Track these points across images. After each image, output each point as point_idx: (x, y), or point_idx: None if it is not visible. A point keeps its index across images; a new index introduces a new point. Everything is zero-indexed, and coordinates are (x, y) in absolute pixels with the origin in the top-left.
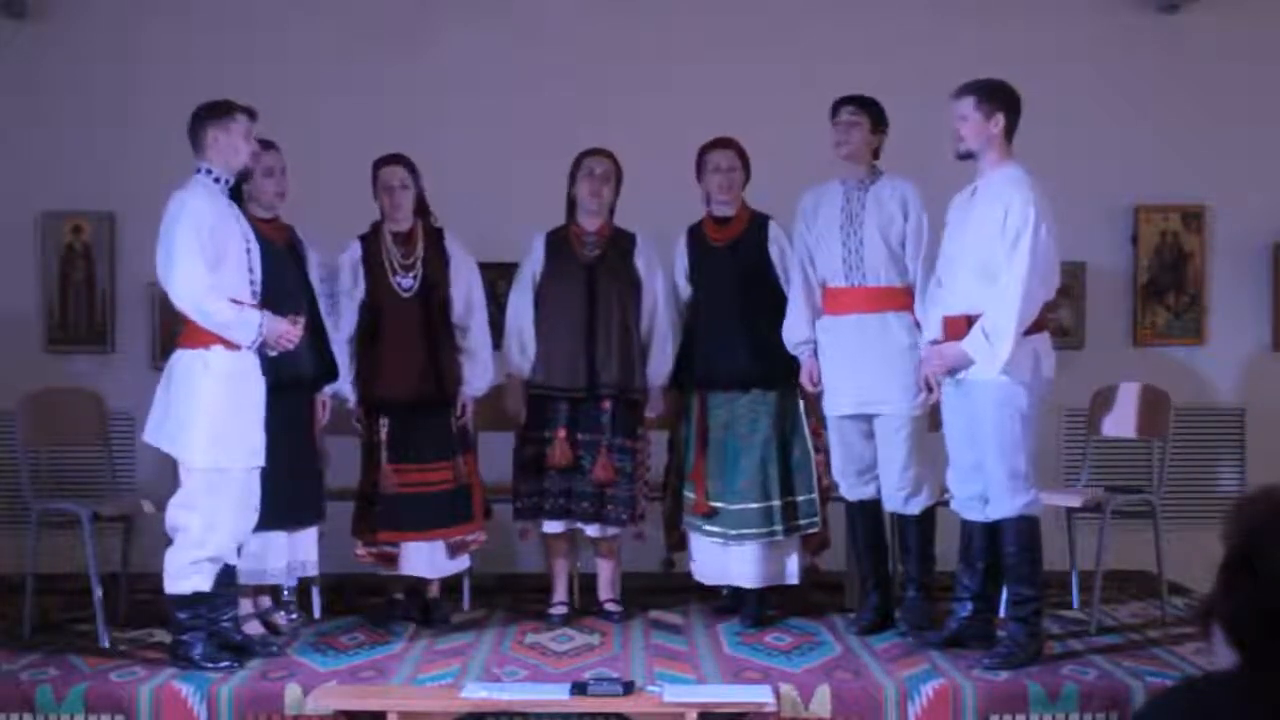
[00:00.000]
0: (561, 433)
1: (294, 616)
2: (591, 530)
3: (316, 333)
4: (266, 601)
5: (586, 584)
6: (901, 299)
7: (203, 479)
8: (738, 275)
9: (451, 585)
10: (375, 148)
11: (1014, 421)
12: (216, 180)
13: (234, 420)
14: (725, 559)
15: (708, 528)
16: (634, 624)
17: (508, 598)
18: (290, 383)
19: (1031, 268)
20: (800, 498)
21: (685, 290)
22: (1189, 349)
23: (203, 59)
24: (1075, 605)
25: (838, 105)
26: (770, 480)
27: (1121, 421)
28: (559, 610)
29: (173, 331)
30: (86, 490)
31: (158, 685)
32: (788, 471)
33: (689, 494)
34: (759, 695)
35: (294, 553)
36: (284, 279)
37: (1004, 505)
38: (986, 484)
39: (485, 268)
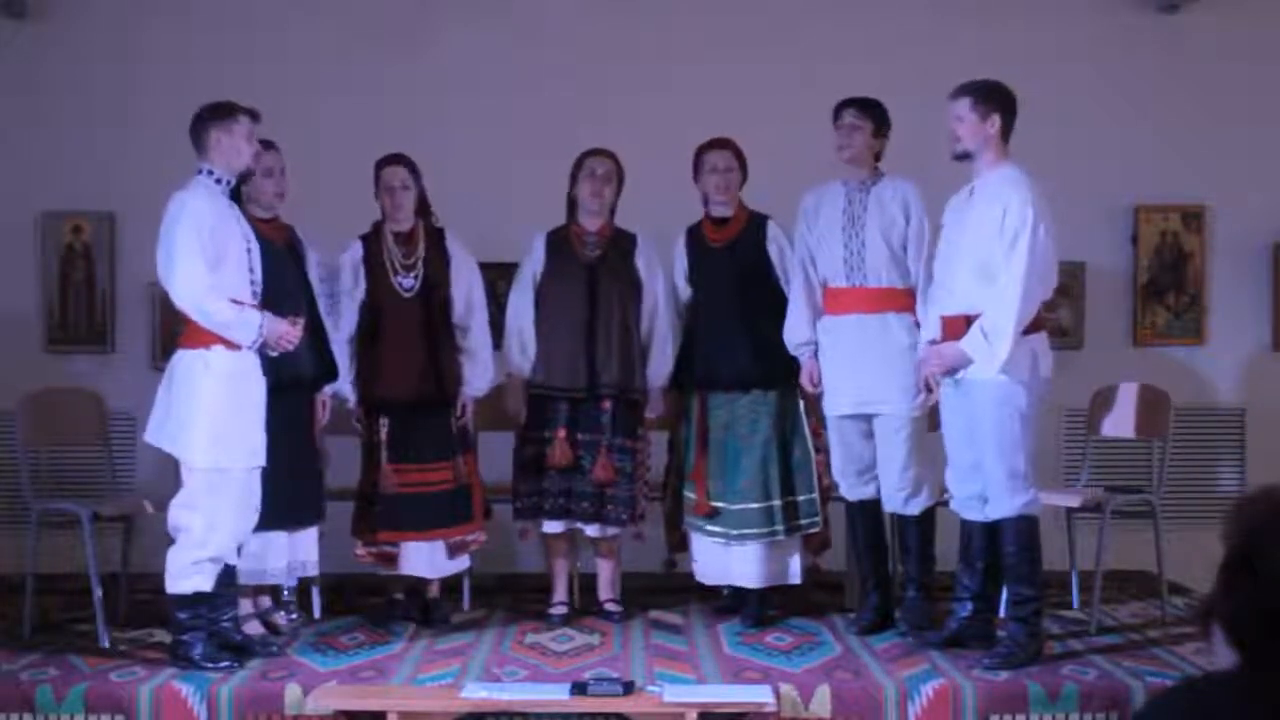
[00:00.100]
0: (562, 433)
1: (294, 616)
2: (591, 530)
3: (316, 333)
4: (266, 601)
5: (586, 584)
6: (902, 300)
7: (204, 479)
8: (737, 275)
9: (451, 585)
10: (375, 148)
11: (1013, 421)
12: (218, 181)
13: (235, 420)
14: (727, 559)
15: (709, 528)
16: (634, 624)
17: (508, 598)
18: (290, 383)
19: (1030, 267)
20: (801, 497)
21: (685, 291)
22: (1189, 349)
23: (203, 59)
24: (1075, 605)
25: (840, 108)
26: (771, 480)
27: (1121, 421)
28: (559, 610)
29: (173, 331)
30: (86, 490)
31: (158, 685)
32: (788, 471)
33: (690, 494)
34: (759, 695)
35: (294, 553)
36: (284, 279)
37: (1003, 505)
38: (985, 484)
39: (485, 268)
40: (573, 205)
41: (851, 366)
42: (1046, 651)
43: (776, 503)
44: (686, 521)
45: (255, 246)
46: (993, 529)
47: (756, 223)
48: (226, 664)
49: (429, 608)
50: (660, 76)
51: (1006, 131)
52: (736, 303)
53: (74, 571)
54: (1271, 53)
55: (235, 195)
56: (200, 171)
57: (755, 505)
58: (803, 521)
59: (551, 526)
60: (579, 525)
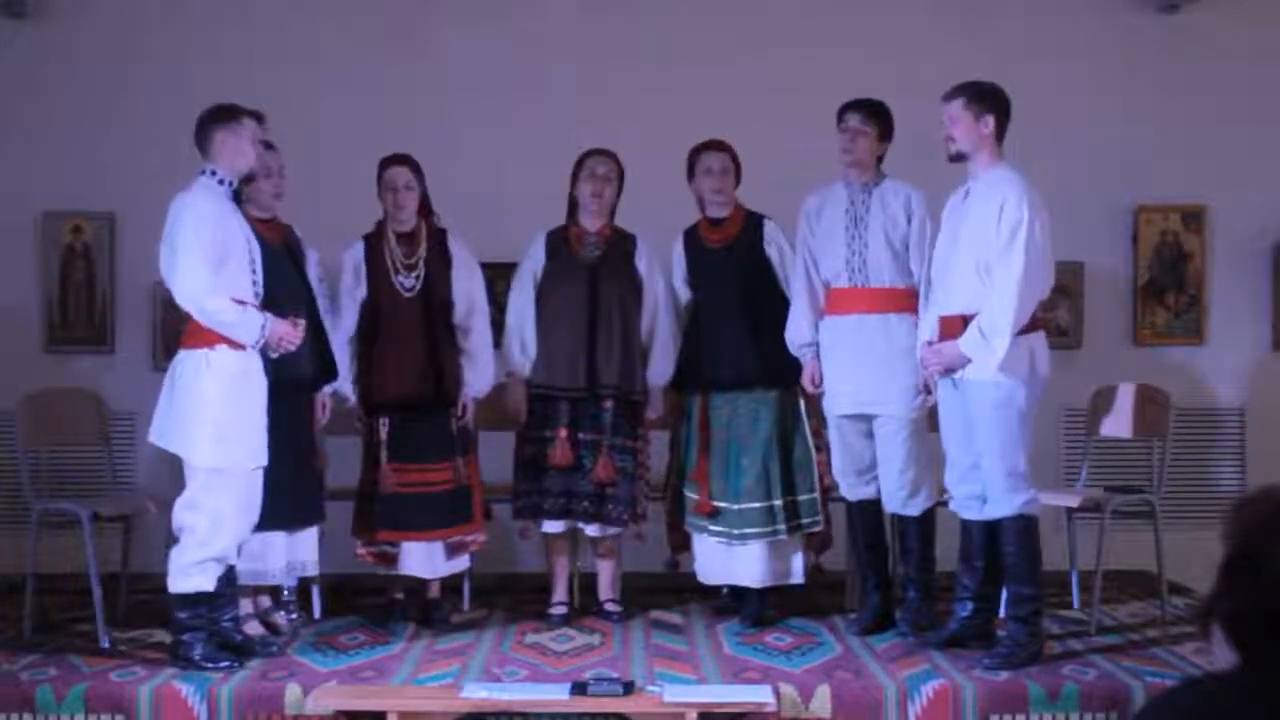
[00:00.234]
0: (563, 432)
1: (294, 616)
2: (592, 530)
3: (315, 333)
4: (266, 601)
5: (586, 584)
6: (903, 300)
7: (207, 479)
8: (736, 276)
9: (451, 585)
10: (375, 148)
11: (1012, 421)
12: (221, 182)
13: (238, 420)
14: (729, 559)
15: (712, 528)
16: (634, 624)
17: (508, 598)
18: (289, 383)
19: (1027, 266)
20: (802, 497)
21: (684, 293)
22: (1189, 349)
23: (203, 59)
24: (1075, 605)
25: (844, 110)
26: (772, 479)
27: (1121, 421)
28: (559, 610)
29: (173, 331)
30: (86, 490)
31: (158, 685)
32: (789, 471)
33: (692, 494)
34: (759, 695)
35: (294, 553)
36: (283, 279)
37: (1002, 505)
38: (984, 483)
39: (485, 268)
40: (573, 205)
41: (852, 367)
42: (1046, 651)
43: (778, 502)
44: (689, 521)
45: (257, 247)
46: (992, 528)
47: (754, 223)
48: (226, 664)
49: (429, 608)
50: (660, 76)
51: (1001, 132)
52: (736, 303)
53: (74, 571)
54: (1271, 53)
55: (235, 196)
56: (203, 172)
57: (757, 505)
58: (804, 521)
59: (552, 526)
60: (580, 525)
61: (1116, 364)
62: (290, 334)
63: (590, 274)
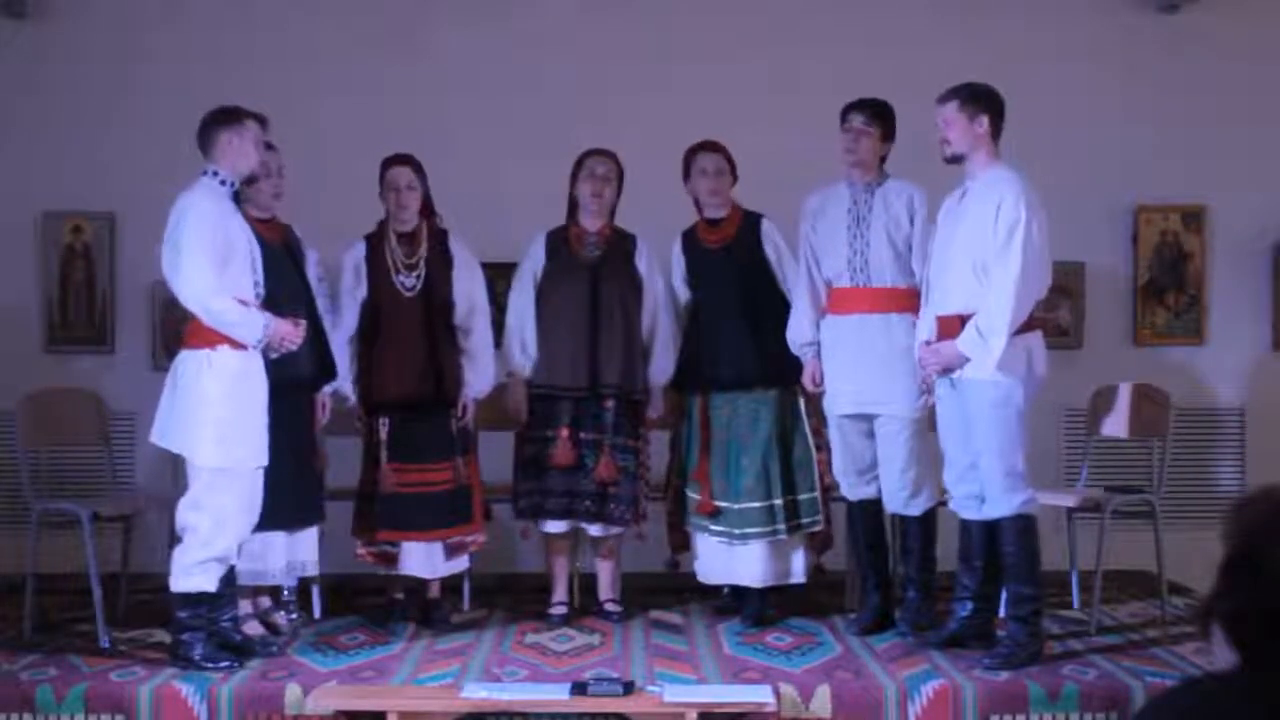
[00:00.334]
0: (564, 432)
1: (294, 616)
2: (594, 530)
3: (315, 333)
4: (266, 601)
5: (586, 584)
6: (905, 300)
7: (210, 478)
8: (735, 276)
9: (451, 585)
10: (375, 148)
11: (1010, 420)
12: (223, 183)
13: (240, 420)
14: (730, 558)
15: (713, 527)
16: (634, 624)
17: (508, 598)
18: (289, 383)
19: (1024, 265)
20: (802, 496)
21: (683, 294)
22: (1189, 349)
23: (202, 59)
24: (1075, 605)
25: (848, 111)
26: (772, 479)
27: (1121, 421)
28: (559, 610)
29: (173, 332)
30: (86, 490)
31: (158, 685)
32: (789, 470)
33: (694, 494)
34: (759, 695)
35: (294, 553)
36: (283, 279)
37: (1001, 504)
38: (983, 483)
39: (485, 268)
40: (573, 205)
41: (853, 366)
42: (1046, 651)
43: (778, 501)
44: (691, 521)
45: (257, 248)
46: (991, 528)
47: (751, 222)
48: (226, 664)
49: (429, 608)
50: (660, 76)
51: (996, 132)
52: (735, 303)
53: (74, 571)
54: (1271, 53)
55: (234, 197)
56: (205, 173)
57: (757, 504)
58: (804, 520)
59: (554, 526)
60: (582, 525)
61: (1116, 364)
62: (292, 334)
63: (591, 274)
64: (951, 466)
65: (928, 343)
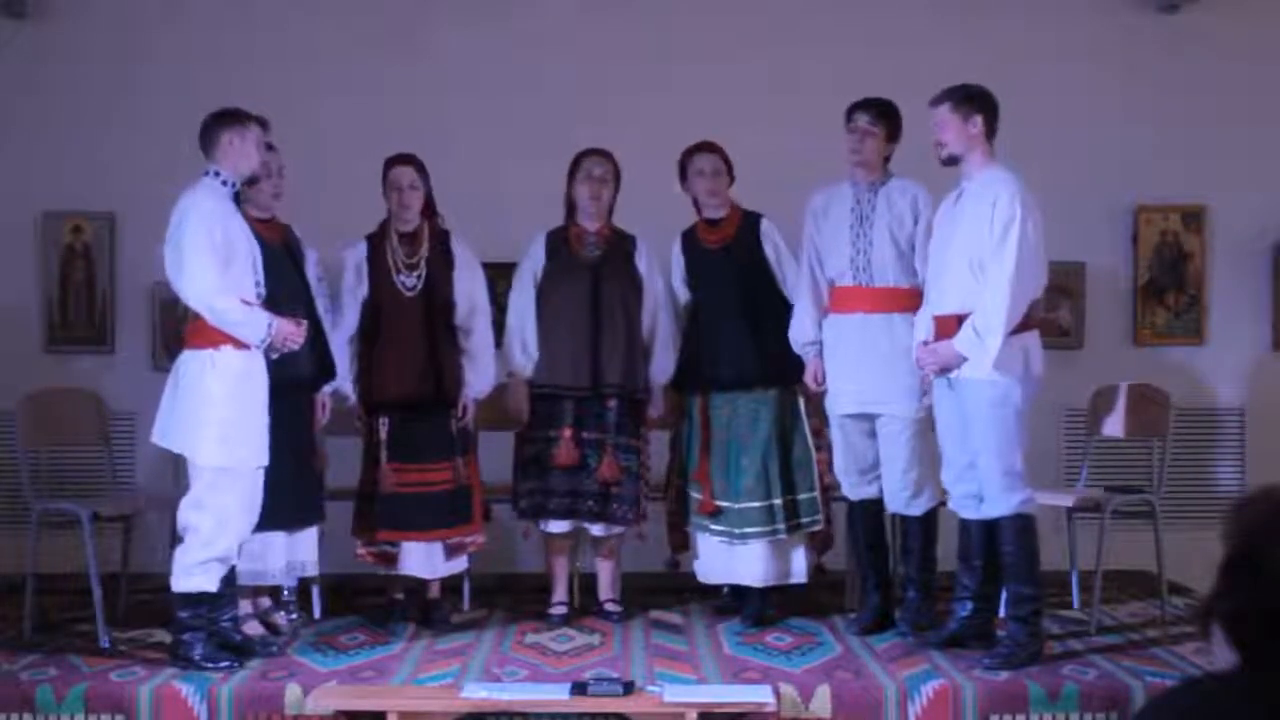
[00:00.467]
0: (567, 432)
1: (294, 616)
2: (597, 530)
3: (314, 332)
4: (266, 601)
5: (586, 584)
6: (907, 300)
7: (213, 478)
8: (734, 275)
9: (451, 585)
10: (375, 148)
11: (1008, 420)
12: (224, 184)
13: (242, 420)
14: (731, 558)
15: (714, 527)
16: (634, 624)
17: (508, 598)
18: (288, 383)
19: (1019, 263)
20: (802, 496)
21: (683, 295)
22: (1189, 349)
23: (203, 59)
24: (1075, 605)
25: (853, 110)
26: (772, 478)
27: (1121, 421)
28: (559, 610)
29: (173, 332)
30: (86, 490)
31: (158, 685)
32: (789, 469)
33: (695, 494)
34: (759, 695)
35: (293, 553)
36: (283, 279)
37: (999, 504)
38: (981, 483)
39: (485, 268)
40: (571, 206)
41: (855, 366)
42: (1046, 651)
43: (777, 501)
44: (692, 521)
45: (258, 248)
46: (990, 528)
47: (750, 222)
48: (226, 664)
49: (429, 608)
50: (660, 76)
51: (990, 132)
52: (735, 303)
53: (74, 571)
54: (1271, 53)
55: (234, 197)
56: (207, 173)
57: (757, 504)
58: (804, 520)
59: (557, 526)
60: (584, 525)
61: (1117, 364)
62: (295, 333)
63: (592, 274)
64: (950, 466)
65: (925, 343)
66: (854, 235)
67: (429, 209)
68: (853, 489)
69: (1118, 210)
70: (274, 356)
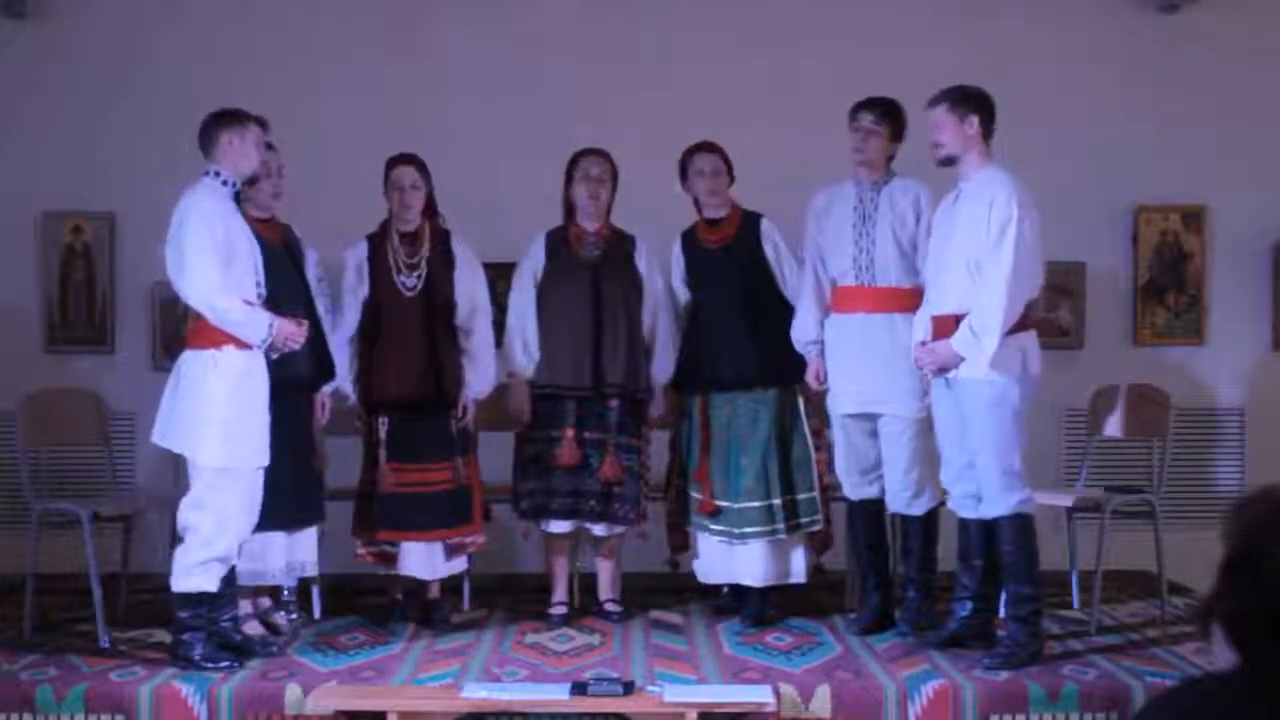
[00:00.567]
0: (569, 432)
1: (294, 616)
2: (599, 529)
3: (314, 333)
4: (266, 602)
5: (586, 584)
6: (909, 300)
7: (214, 479)
8: (734, 275)
9: (452, 585)
10: (375, 148)
11: (1006, 420)
12: (225, 184)
13: (244, 420)
14: (731, 558)
15: (713, 527)
16: (634, 624)
17: (508, 598)
18: (288, 383)
19: (1015, 262)
20: (801, 495)
21: (683, 295)
22: (1189, 349)
23: (203, 59)
24: (1075, 605)
25: (857, 109)
26: (771, 478)
27: (1121, 421)
28: (559, 610)
29: (173, 332)
30: (86, 490)
31: (158, 685)
32: (788, 469)
33: (694, 494)
34: (759, 695)
35: (293, 553)
36: (283, 279)
37: (998, 504)
38: (979, 482)
39: (485, 268)
40: (569, 207)
41: (857, 366)
42: (1046, 651)
43: (776, 501)
44: (692, 520)
45: (258, 248)
46: (989, 527)
47: (750, 221)
48: (226, 664)
49: (429, 608)
50: (660, 76)
51: (987, 132)
52: (735, 303)
53: (74, 571)
54: (1271, 53)
55: (234, 197)
56: (207, 173)
57: (756, 504)
58: (803, 520)
59: (558, 526)
60: (586, 525)
61: (1116, 364)
62: (296, 333)
63: (593, 273)
64: (948, 466)
65: (923, 343)
66: (856, 235)
67: (430, 209)
68: (854, 489)
69: (1118, 210)
70: (274, 356)
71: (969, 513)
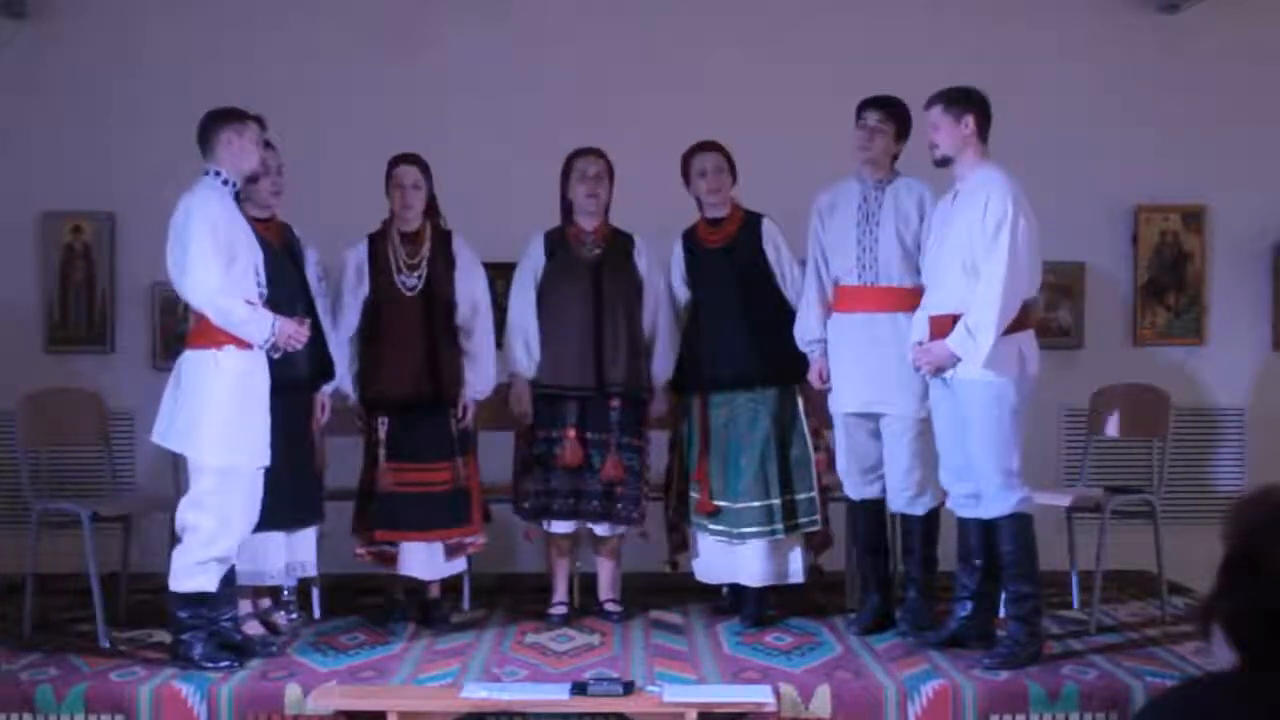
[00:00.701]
0: (571, 432)
1: (294, 616)
2: (601, 529)
3: (314, 332)
4: (266, 602)
5: (586, 584)
6: (912, 300)
7: (214, 478)
8: (735, 275)
9: (452, 585)
10: (375, 147)
11: (1004, 420)
12: (225, 183)
13: (245, 419)
14: (729, 558)
15: (712, 526)
16: (634, 624)
17: (508, 598)
18: (288, 383)
19: (1011, 261)
20: (800, 496)
21: (683, 294)
22: (1189, 349)
23: (203, 59)
24: (1075, 605)
25: (863, 107)
26: (770, 478)
27: (1121, 421)
28: (559, 610)
29: (173, 332)
30: (86, 490)
31: (158, 685)
32: (787, 469)
33: (694, 494)
34: (759, 695)
35: (292, 553)
36: (283, 279)
37: (997, 504)
38: (978, 482)
39: (485, 267)
40: (567, 207)
41: (860, 365)
42: (1046, 651)
43: (775, 501)
44: (691, 520)
45: (259, 249)
46: (988, 527)
47: (752, 222)
48: (226, 664)
49: (429, 608)
50: (660, 76)
51: (983, 132)
52: (735, 302)
53: (74, 571)
54: (1271, 53)
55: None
56: (207, 173)
57: (755, 504)
58: (801, 520)
59: (561, 527)
60: (588, 525)
61: (1116, 364)
62: (298, 333)
63: (593, 273)
64: (947, 466)
65: (920, 343)
66: (860, 234)
67: (431, 209)
68: (855, 489)
69: (1118, 210)
70: (277, 355)
71: (968, 512)
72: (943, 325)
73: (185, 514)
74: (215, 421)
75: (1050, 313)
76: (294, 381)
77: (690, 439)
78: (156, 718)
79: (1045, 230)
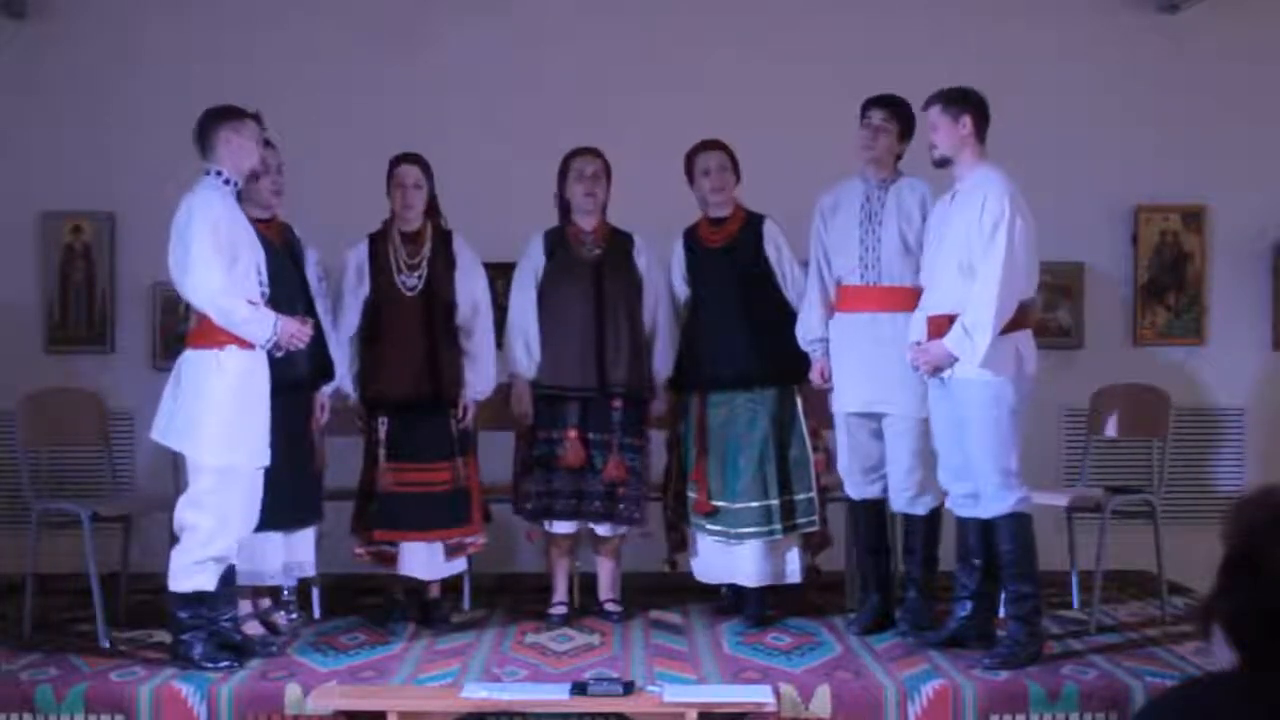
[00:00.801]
0: (573, 433)
1: (294, 617)
2: (603, 529)
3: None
4: (266, 602)
5: (586, 584)
6: (915, 299)
7: (214, 478)
8: (735, 275)
9: (452, 585)
10: (375, 147)
11: (1002, 419)
12: (226, 182)
13: (245, 419)
14: (728, 558)
15: (710, 526)
16: (634, 624)
17: (508, 598)
18: (287, 383)
19: (1008, 260)
20: (798, 496)
21: (683, 293)
22: (1189, 349)
23: (203, 59)
24: (1075, 605)
25: (868, 106)
26: (768, 479)
27: (1121, 421)
28: (559, 610)
29: (173, 332)
30: (86, 490)
31: (158, 685)
32: (785, 470)
33: (692, 494)
34: (759, 695)
35: (291, 553)
36: (284, 279)
37: (996, 503)
38: (976, 482)
39: (485, 267)
40: (566, 207)
41: (861, 365)
42: (1046, 651)
43: (774, 501)
44: (690, 520)
45: (260, 249)
46: (987, 527)
47: (753, 222)
48: (226, 664)
49: (429, 608)
50: (660, 76)
51: (980, 132)
52: (735, 302)
53: (74, 571)
54: (1271, 53)
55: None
56: (208, 173)
57: (753, 504)
58: (800, 520)
59: (562, 527)
60: (590, 525)
61: (1116, 364)
62: (300, 332)
63: (594, 272)
64: (946, 466)
65: (918, 343)
66: (863, 233)
67: (432, 209)
68: (856, 488)
69: (1118, 210)
70: (279, 355)
71: (966, 512)
72: (940, 325)
73: (184, 513)
74: (215, 421)
75: (1050, 313)
76: (294, 381)
77: (688, 439)
78: (156, 718)
79: (1045, 230)
